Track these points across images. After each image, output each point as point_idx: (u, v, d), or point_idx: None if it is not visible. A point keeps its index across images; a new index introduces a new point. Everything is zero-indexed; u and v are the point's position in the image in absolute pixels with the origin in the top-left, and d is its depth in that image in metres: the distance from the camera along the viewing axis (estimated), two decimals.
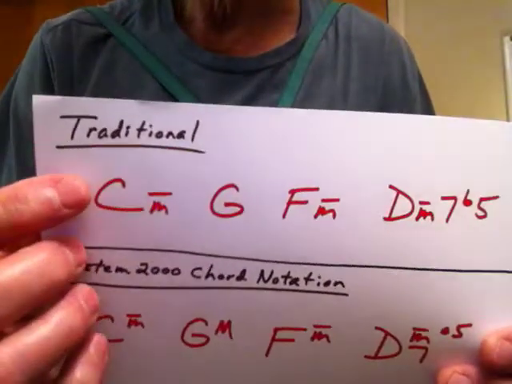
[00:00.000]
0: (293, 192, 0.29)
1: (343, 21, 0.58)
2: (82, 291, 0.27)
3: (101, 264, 0.29)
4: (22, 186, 0.25)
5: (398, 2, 2.26)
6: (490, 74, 2.20)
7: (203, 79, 0.52)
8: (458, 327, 0.31)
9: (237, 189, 0.29)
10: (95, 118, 0.27)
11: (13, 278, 0.23)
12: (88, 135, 0.28)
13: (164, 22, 0.55)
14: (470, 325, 0.31)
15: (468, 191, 0.30)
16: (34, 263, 0.24)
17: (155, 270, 0.29)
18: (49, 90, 0.53)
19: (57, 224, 0.26)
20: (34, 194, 0.24)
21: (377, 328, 0.31)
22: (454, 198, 0.30)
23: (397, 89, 0.58)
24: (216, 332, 0.31)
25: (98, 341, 0.28)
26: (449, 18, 2.21)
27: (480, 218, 0.30)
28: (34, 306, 0.24)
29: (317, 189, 0.29)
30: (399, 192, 0.29)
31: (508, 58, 2.22)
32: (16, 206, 0.24)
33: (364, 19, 0.60)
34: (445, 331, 0.31)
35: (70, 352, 0.26)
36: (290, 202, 0.29)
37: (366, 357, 0.32)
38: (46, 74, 0.54)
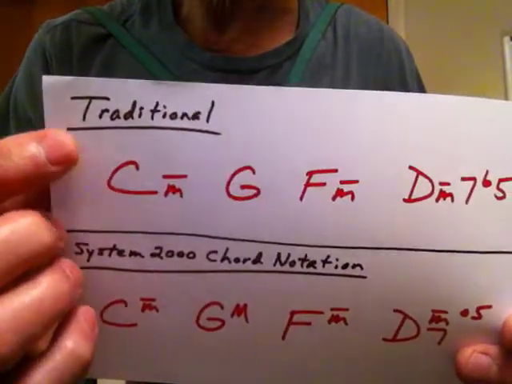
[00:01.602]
0: (310, 174, 0.28)
1: (342, 21, 0.58)
2: (65, 263, 0.26)
3: (114, 248, 0.29)
4: (6, 141, 0.24)
5: (398, 2, 2.25)
6: (490, 74, 2.20)
7: (202, 79, 0.52)
8: (478, 309, 0.30)
9: (253, 171, 0.28)
10: (107, 98, 0.27)
11: (0, 239, 0.22)
12: (100, 117, 0.27)
13: (163, 21, 0.55)
14: (489, 306, 0.30)
15: (487, 172, 0.29)
16: (21, 225, 0.23)
17: (170, 254, 0.29)
18: None
19: (43, 182, 0.26)
20: (18, 149, 0.24)
21: (395, 310, 0.30)
22: (474, 179, 0.29)
23: (396, 89, 0.57)
24: (232, 315, 0.30)
25: (86, 311, 0.27)
26: (449, 17, 2.19)
27: (499, 198, 0.30)
28: (22, 269, 0.23)
29: (335, 170, 0.29)
30: (419, 173, 0.29)
31: (508, 57, 2.21)
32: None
33: (363, 19, 0.60)
34: (464, 313, 0.30)
35: (59, 323, 0.26)
36: (307, 184, 0.28)
37: (383, 339, 0.31)
38: (46, 73, 0.54)
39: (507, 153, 0.30)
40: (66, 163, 0.25)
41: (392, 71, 0.58)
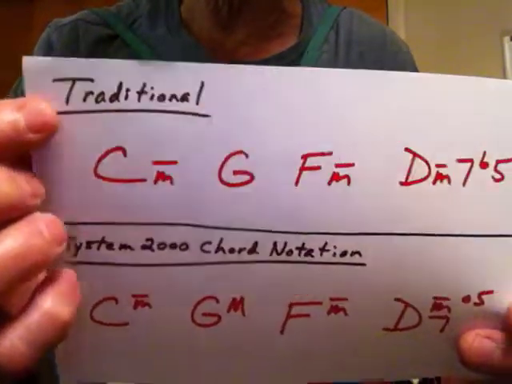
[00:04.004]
0: (305, 157, 0.27)
1: (344, 25, 0.58)
2: (42, 218, 0.25)
3: (103, 241, 0.27)
4: None
5: (398, 2, 2.26)
6: (490, 74, 2.19)
7: None
8: (480, 294, 0.29)
9: (246, 155, 0.27)
10: (92, 80, 0.25)
11: None
12: (84, 100, 0.26)
13: (170, 23, 0.55)
14: (491, 292, 0.29)
15: (484, 153, 0.29)
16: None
17: (162, 246, 0.28)
18: None
19: (22, 150, 0.25)
20: None
21: (396, 299, 0.29)
22: (471, 161, 0.29)
23: None
24: (228, 310, 0.29)
25: (67, 274, 0.26)
26: (449, 17, 2.21)
27: (497, 180, 0.29)
28: None
29: (330, 153, 0.28)
30: (415, 155, 0.28)
31: (508, 57, 2.22)
32: None
33: (365, 23, 0.60)
34: (466, 299, 0.29)
35: (37, 284, 0.25)
36: (302, 168, 0.27)
37: (384, 329, 0.30)
38: None
39: (505, 133, 0.29)
40: (45, 131, 0.25)
41: None
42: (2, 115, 0.23)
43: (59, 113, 0.25)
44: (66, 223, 0.26)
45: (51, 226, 0.25)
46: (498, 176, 0.29)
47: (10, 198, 0.23)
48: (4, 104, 0.24)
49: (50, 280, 0.25)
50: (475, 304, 0.30)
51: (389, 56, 0.58)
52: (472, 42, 2.19)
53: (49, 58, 0.25)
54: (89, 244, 0.27)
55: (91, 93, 0.26)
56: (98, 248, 0.27)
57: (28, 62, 0.25)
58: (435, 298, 0.29)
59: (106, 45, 0.54)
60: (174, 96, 0.26)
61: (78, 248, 0.27)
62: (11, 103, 0.24)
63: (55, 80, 0.25)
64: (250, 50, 0.54)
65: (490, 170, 0.29)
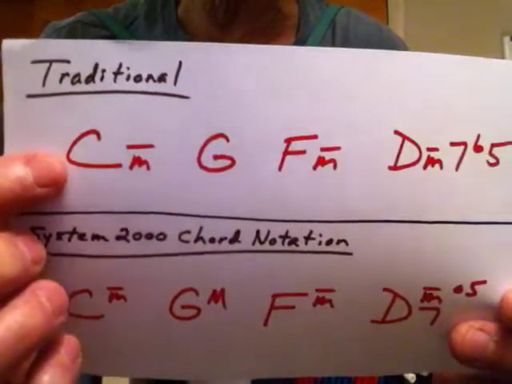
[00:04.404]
0: (289, 141, 0.26)
1: (341, 24, 0.58)
2: (44, 288, 0.24)
3: (74, 231, 0.26)
4: None
5: (398, 2, 2.27)
6: None
7: None
8: (472, 284, 0.28)
9: (227, 139, 0.26)
10: (68, 61, 0.25)
11: None
12: (60, 81, 0.25)
13: (167, 24, 0.55)
14: (484, 282, 0.28)
15: (479, 136, 0.28)
16: None
17: (137, 236, 0.26)
18: None
19: (31, 205, 0.24)
20: (5, 170, 0.23)
21: (384, 289, 0.28)
22: (464, 144, 0.27)
23: None
24: (208, 302, 0.28)
25: (68, 342, 0.25)
26: (449, 17, 2.22)
27: (492, 165, 0.28)
28: None
29: (315, 136, 0.26)
30: (405, 138, 0.27)
31: (508, 58, 2.24)
32: None
33: (362, 22, 0.60)
34: (458, 290, 0.28)
35: (37, 354, 0.24)
36: (286, 152, 0.26)
37: (372, 321, 0.29)
38: None
39: (501, 115, 0.28)
40: (54, 186, 0.25)
41: None
42: (10, 171, 0.23)
43: (36, 96, 0.25)
44: (35, 213, 0.25)
45: (53, 297, 0.24)
46: (492, 160, 0.28)
47: (14, 273, 0.22)
48: (11, 159, 0.24)
49: (51, 349, 0.25)
50: (467, 295, 0.28)
51: None
52: (472, 42, 2.21)
53: (28, 40, 0.24)
54: (59, 235, 0.26)
55: (67, 74, 0.25)
56: (69, 239, 0.26)
57: (7, 44, 0.24)
58: (425, 288, 0.28)
59: None
60: (150, 76, 0.25)
61: (48, 239, 0.26)
62: (18, 158, 0.24)
63: (33, 62, 0.25)
64: None
65: (485, 154, 0.28)
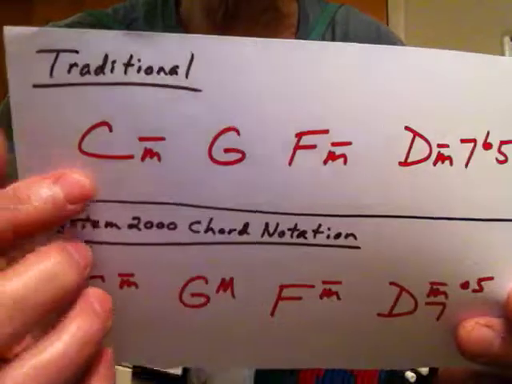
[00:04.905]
0: (300, 135, 0.26)
1: (341, 22, 0.58)
2: (94, 295, 0.25)
3: (88, 219, 0.26)
4: (23, 185, 0.23)
5: (398, 1, 2.25)
6: None
7: None
8: (479, 281, 0.28)
9: (238, 132, 0.26)
10: (76, 52, 0.24)
11: (23, 288, 0.21)
12: (69, 72, 0.24)
13: (167, 24, 0.55)
14: (491, 278, 0.28)
15: (488, 133, 0.27)
16: (42, 270, 0.22)
17: (149, 225, 0.27)
18: None
19: (62, 223, 0.25)
20: (36, 192, 0.23)
21: (391, 283, 0.28)
22: (474, 141, 0.27)
23: None
24: (217, 291, 0.28)
25: (106, 352, 0.26)
26: (449, 18, 2.19)
27: (500, 162, 0.28)
28: (47, 317, 0.22)
29: (326, 131, 0.26)
30: (416, 134, 0.27)
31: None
32: (18, 206, 0.22)
33: (361, 20, 0.60)
34: (464, 285, 0.28)
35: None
36: (296, 147, 0.26)
37: (378, 315, 0.29)
38: None
39: (510, 113, 0.27)
40: (83, 201, 0.25)
41: None
42: (41, 192, 0.23)
43: (43, 86, 0.24)
44: None
45: (103, 301, 0.25)
46: (501, 158, 0.28)
47: (74, 282, 0.23)
48: (40, 180, 0.24)
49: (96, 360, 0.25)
50: (474, 291, 0.29)
51: None
52: (472, 42, 2.18)
53: (32, 28, 0.24)
54: (73, 222, 0.26)
55: (76, 65, 0.24)
56: (83, 226, 0.26)
57: (10, 31, 0.24)
58: (432, 283, 0.28)
59: None
60: (162, 69, 0.25)
61: (62, 226, 0.26)
62: (47, 178, 0.24)
63: (39, 51, 0.24)
64: None
65: (494, 151, 0.28)
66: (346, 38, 0.57)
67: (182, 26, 0.55)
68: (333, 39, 0.56)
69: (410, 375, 0.64)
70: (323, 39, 0.56)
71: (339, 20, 0.58)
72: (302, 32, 0.56)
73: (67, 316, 0.23)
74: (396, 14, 2.23)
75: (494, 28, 2.18)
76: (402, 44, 0.62)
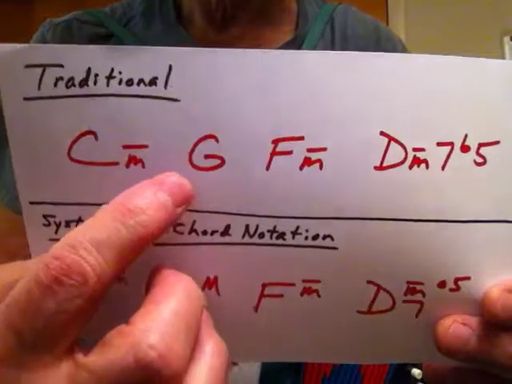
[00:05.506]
0: (276, 142, 0.27)
1: (339, 20, 0.59)
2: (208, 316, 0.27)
3: (80, 220, 0.28)
4: (129, 198, 0.24)
5: (398, 1, 2.25)
6: None
7: None
8: (456, 280, 0.29)
9: (216, 140, 0.27)
10: (61, 66, 0.26)
11: (180, 309, 0.23)
12: (55, 85, 0.26)
13: (165, 22, 0.56)
14: (468, 278, 0.29)
15: (466, 136, 0.28)
16: (185, 289, 0.24)
17: None
18: None
19: (170, 225, 0.26)
20: (148, 202, 0.24)
21: (369, 282, 0.29)
22: (451, 144, 0.28)
23: None
24: (203, 289, 0.30)
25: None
26: (449, 18, 2.18)
27: (479, 164, 0.28)
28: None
29: (302, 138, 0.27)
30: (391, 138, 0.27)
31: (508, 58, 2.18)
32: (135, 219, 0.23)
33: (359, 19, 0.60)
34: (441, 284, 0.29)
35: None
36: (273, 153, 0.27)
37: (358, 312, 0.30)
38: None
39: (488, 114, 0.28)
40: (188, 203, 0.26)
41: None
42: (153, 201, 0.24)
43: (31, 98, 0.26)
44: (46, 203, 0.27)
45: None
46: (480, 160, 0.28)
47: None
48: (144, 189, 0.24)
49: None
50: (451, 290, 0.29)
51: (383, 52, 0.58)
52: (472, 42, 2.16)
53: (20, 45, 0.26)
54: (67, 223, 0.28)
55: (61, 78, 0.26)
56: (76, 227, 0.28)
57: (1, 49, 0.26)
58: (409, 282, 0.29)
59: (101, 43, 0.55)
60: (141, 80, 0.26)
61: (58, 226, 0.28)
62: (150, 185, 0.25)
63: (27, 66, 0.26)
64: (245, 47, 0.54)
65: (472, 154, 0.28)
66: (345, 36, 0.57)
67: (181, 24, 0.56)
68: (332, 37, 0.57)
69: (416, 372, 0.64)
70: (323, 37, 0.56)
71: (338, 18, 0.59)
72: (301, 29, 0.57)
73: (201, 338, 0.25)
74: (396, 14, 2.25)
75: (494, 28, 2.19)
76: (401, 42, 0.62)
